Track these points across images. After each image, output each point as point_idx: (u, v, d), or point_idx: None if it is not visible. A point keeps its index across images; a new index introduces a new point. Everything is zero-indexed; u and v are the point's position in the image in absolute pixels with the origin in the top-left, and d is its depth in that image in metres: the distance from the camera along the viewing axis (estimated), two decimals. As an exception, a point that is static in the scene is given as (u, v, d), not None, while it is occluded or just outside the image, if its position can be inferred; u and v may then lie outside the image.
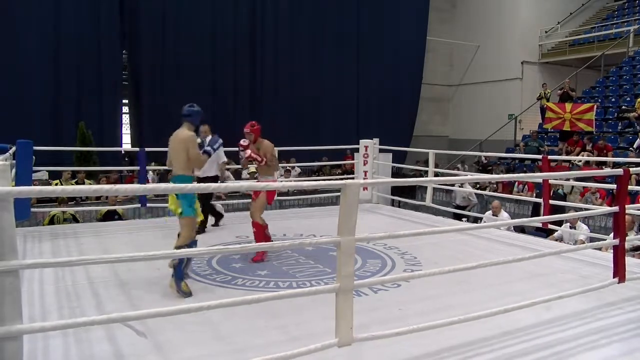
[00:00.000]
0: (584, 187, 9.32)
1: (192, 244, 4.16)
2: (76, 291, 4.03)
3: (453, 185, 9.59)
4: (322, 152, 12.46)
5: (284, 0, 16.39)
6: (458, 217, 9.24)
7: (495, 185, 11.22)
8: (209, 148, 4.38)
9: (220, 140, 4.59)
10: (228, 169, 8.36)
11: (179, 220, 4.16)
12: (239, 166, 6.36)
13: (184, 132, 4.18)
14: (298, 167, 12.98)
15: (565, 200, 8.57)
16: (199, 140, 4.40)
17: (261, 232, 5.13)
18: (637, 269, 4.30)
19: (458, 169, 12.86)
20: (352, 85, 17.59)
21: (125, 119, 15.21)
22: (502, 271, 4.38)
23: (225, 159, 6.63)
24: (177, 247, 4.09)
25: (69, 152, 10.65)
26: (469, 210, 9.74)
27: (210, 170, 6.19)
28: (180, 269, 3.97)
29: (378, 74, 17.82)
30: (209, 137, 4.77)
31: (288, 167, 12.25)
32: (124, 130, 15.05)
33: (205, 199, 6.20)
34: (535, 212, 8.59)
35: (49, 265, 3.61)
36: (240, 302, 2.65)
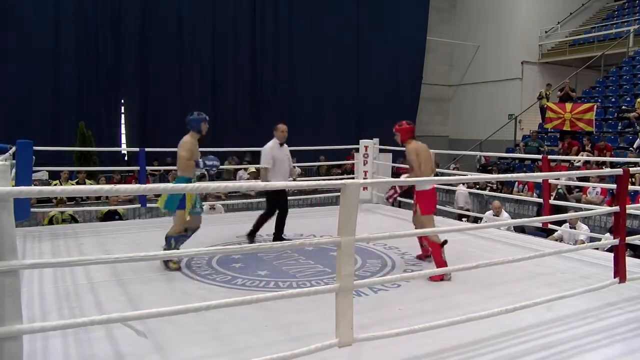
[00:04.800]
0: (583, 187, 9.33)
1: (182, 236, 4.74)
2: (76, 291, 4.03)
3: (454, 185, 9.58)
4: (322, 152, 12.43)
5: (283, 1, 16.40)
6: (459, 217, 9.24)
7: (496, 185, 11.23)
8: (200, 160, 4.74)
9: (216, 165, 4.81)
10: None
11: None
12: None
13: (183, 138, 4.77)
14: (298, 167, 12.96)
15: (566, 200, 8.57)
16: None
17: (437, 252, 4.44)
18: (637, 269, 4.30)
19: (458, 169, 12.84)
20: (352, 85, 17.59)
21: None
22: (502, 271, 4.38)
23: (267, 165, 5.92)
24: (167, 236, 4.72)
25: (69, 152, 10.64)
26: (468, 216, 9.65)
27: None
28: (169, 244, 4.63)
29: (378, 74, 17.82)
30: (213, 157, 4.84)
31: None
32: (123, 130, 15.07)
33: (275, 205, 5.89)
34: (540, 213, 8.58)
35: (49, 266, 3.60)
36: (240, 302, 2.65)
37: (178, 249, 4.64)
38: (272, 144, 5.93)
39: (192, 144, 4.74)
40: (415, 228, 4.96)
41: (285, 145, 6.04)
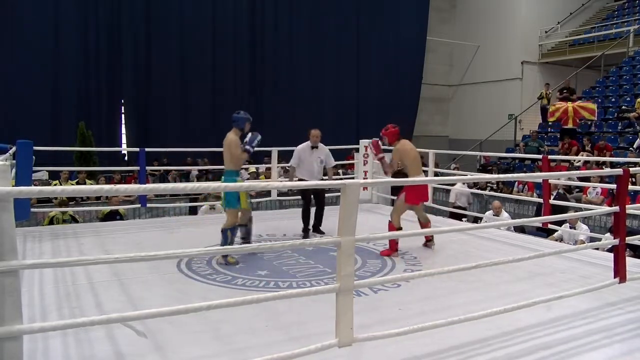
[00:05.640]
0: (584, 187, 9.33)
1: (234, 228, 5.05)
2: (76, 291, 4.03)
3: (453, 184, 9.57)
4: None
5: (283, 1, 16.40)
6: (457, 217, 9.21)
7: (496, 185, 11.22)
8: (247, 147, 5.00)
9: (259, 137, 5.07)
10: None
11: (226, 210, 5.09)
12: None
13: (228, 136, 5.03)
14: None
15: (566, 200, 8.56)
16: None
17: (392, 240, 5.30)
18: (637, 269, 4.30)
19: (458, 169, 12.84)
20: (352, 85, 17.60)
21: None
22: (502, 271, 4.39)
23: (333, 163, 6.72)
24: (223, 229, 4.98)
25: (69, 152, 10.64)
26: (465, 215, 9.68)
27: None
28: (226, 236, 4.91)
29: (378, 74, 17.83)
30: (249, 135, 5.09)
31: (288, 167, 12.24)
32: (123, 130, 15.07)
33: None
34: (539, 212, 8.57)
35: (49, 266, 3.60)
36: (240, 302, 2.65)
37: (233, 242, 4.99)
38: (304, 146, 6.42)
39: (238, 141, 5.05)
40: (417, 216, 5.62)
41: (319, 148, 6.45)
